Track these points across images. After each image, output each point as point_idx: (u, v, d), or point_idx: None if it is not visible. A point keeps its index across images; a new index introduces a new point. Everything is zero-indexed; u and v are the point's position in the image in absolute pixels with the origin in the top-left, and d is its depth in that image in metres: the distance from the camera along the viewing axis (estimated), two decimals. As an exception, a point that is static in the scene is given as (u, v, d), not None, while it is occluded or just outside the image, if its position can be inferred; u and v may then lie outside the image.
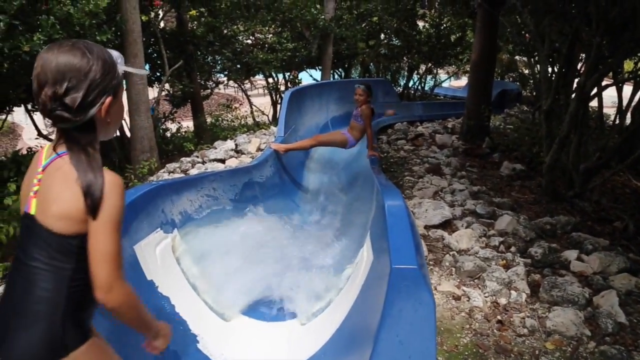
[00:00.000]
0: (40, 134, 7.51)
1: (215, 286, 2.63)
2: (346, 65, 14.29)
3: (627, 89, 6.77)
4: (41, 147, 1.26)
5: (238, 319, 2.61)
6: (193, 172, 5.41)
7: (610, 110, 9.46)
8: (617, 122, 6.88)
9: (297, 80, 12.34)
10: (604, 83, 5.45)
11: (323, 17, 10.29)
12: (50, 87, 1.11)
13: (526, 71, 15.51)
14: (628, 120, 6.63)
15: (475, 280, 3.21)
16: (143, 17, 7.24)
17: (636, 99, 6.50)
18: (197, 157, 6.10)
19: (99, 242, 1.13)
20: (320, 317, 2.46)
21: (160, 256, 2.39)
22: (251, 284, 2.76)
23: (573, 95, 5.05)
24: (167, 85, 9.40)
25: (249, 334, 2.50)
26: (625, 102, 6.59)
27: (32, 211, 1.16)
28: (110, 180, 1.16)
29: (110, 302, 1.16)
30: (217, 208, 3.31)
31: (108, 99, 1.18)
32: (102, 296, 1.15)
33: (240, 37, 10.96)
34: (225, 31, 10.35)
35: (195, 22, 10.75)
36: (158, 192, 2.58)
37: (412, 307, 1.53)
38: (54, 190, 1.14)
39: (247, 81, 12.97)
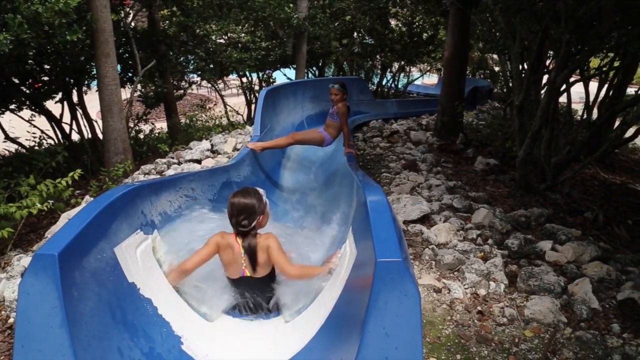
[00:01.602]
0: (7, 137, 7.28)
1: (197, 286, 2.61)
2: (320, 64, 14.32)
3: (593, 85, 7.00)
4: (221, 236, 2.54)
5: (221, 318, 2.58)
6: (169, 173, 5.33)
7: (577, 106, 9.76)
8: (585, 117, 7.11)
9: (271, 80, 12.29)
10: (571, 79, 5.62)
11: (297, 15, 10.26)
12: (239, 216, 2.43)
13: (497, 68, 15.84)
14: (595, 115, 6.85)
15: (455, 273, 3.27)
16: (113, 17, 7.07)
17: (602, 94, 6.73)
18: (173, 158, 6.01)
19: (280, 260, 2.45)
20: (304, 313, 2.46)
21: (141, 258, 2.35)
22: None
23: (543, 91, 5.19)
24: (139, 86, 9.23)
25: (233, 334, 2.48)
26: (591, 98, 6.81)
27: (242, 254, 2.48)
28: (272, 238, 2.50)
29: (292, 278, 2.47)
30: (197, 208, 3.28)
31: (262, 216, 2.51)
32: (290, 278, 2.47)
33: (213, 37, 10.84)
34: (198, 30, 10.21)
35: (167, 22, 10.58)
36: (137, 193, 2.53)
37: (397, 299, 1.54)
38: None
39: (220, 81, 12.84)
